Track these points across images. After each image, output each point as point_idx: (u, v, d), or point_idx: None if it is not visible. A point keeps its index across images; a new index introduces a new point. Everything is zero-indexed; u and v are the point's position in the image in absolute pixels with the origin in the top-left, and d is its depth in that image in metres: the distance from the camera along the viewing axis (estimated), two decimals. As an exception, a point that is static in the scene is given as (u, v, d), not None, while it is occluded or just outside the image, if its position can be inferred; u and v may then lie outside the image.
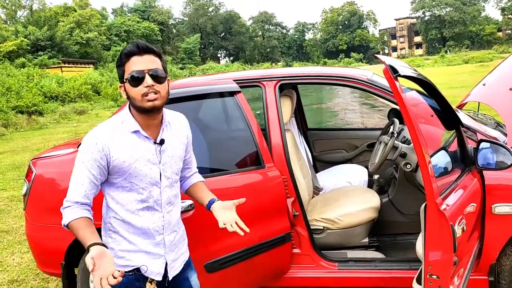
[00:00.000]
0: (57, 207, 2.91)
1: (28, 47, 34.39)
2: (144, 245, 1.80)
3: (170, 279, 1.88)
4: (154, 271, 1.82)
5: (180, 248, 1.94)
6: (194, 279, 2.01)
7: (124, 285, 1.69)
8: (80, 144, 3.11)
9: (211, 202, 1.94)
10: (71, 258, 2.98)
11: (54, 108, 20.03)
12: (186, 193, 2.08)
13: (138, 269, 1.80)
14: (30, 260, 4.17)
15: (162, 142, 1.78)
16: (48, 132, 14.48)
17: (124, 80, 1.70)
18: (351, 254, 3.06)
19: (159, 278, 1.83)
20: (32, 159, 3.19)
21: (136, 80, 1.66)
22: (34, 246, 3.11)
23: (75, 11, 42.58)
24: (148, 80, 1.66)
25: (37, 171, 3.02)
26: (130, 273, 1.78)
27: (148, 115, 1.72)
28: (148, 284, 1.81)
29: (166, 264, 1.85)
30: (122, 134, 1.72)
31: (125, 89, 1.71)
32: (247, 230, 1.83)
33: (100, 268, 1.47)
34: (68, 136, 12.42)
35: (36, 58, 33.30)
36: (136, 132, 1.73)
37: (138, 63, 1.67)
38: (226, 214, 1.86)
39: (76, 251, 2.96)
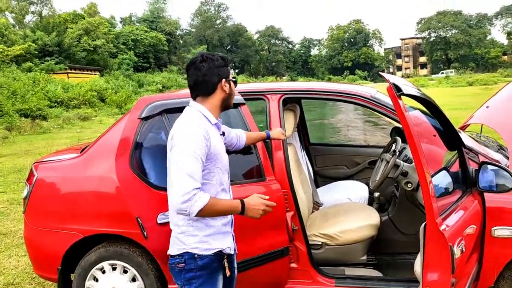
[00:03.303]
0: (57, 211, 2.95)
1: (36, 52, 34.66)
2: (221, 225, 2.07)
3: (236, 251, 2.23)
4: (231, 247, 2.14)
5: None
6: (235, 265, 2.30)
7: (205, 266, 2.02)
8: (83, 149, 3.14)
9: (268, 133, 2.74)
10: (68, 264, 2.98)
11: (58, 113, 20.12)
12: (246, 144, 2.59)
13: (217, 251, 2.05)
14: (27, 263, 4.15)
15: (223, 134, 2.21)
16: (51, 136, 14.53)
17: (230, 79, 2.11)
18: (349, 271, 3.04)
19: (233, 252, 2.17)
20: (34, 163, 3.20)
21: (235, 82, 2.18)
22: (32, 249, 3.11)
23: (84, 18, 42.98)
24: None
25: (39, 175, 3.03)
26: (213, 255, 2.03)
27: (226, 110, 2.18)
28: (225, 263, 2.10)
29: (233, 239, 2.18)
30: (209, 125, 2.03)
31: (230, 85, 2.10)
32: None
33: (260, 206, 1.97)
34: (71, 141, 12.45)
35: (43, 63, 33.52)
36: (215, 124, 2.08)
37: None
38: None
39: (74, 256, 2.96)
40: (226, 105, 2.13)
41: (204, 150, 1.93)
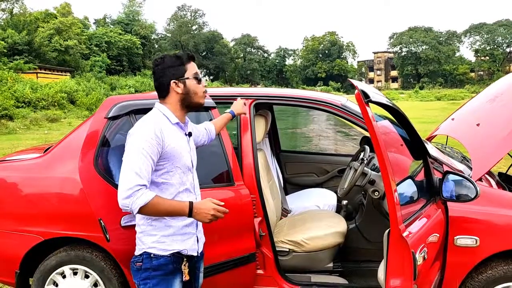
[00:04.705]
0: (17, 212, 2.85)
1: (5, 50, 33.66)
2: (181, 226, 2.03)
3: (200, 252, 2.18)
4: (191, 248, 2.09)
5: (201, 229, 2.21)
6: (202, 270, 2.28)
7: (160, 266, 1.99)
8: (47, 149, 3.05)
9: (232, 113, 2.69)
10: (26, 267, 2.87)
11: (25, 113, 19.53)
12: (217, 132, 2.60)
13: (174, 253, 2.02)
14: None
15: (190, 134, 2.14)
16: (16, 137, 14.09)
17: (186, 78, 2.01)
18: (315, 278, 3.04)
19: (195, 253, 2.12)
20: (-5, 162, 3.09)
21: (199, 80, 2.05)
22: (-12, 252, 2.98)
23: (56, 18, 42.02)
24: (204, 82, 2.09)
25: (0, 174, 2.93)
26: (169, 256, 2.01)
27: (195, 110, 2.17)
28: (183, 266, 2.06)
29: (198, 241, 2.14)
30: (168, 124, 2.00)
31: (184, 85, 2.00)
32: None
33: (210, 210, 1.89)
34: (37, 143, 12.09)
35: (12, 62, 32.55)
36: (177, 123, 2.04)
37: (195, 67, 2.07)
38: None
39: (33, 259, 2.86)
40: (188, 104, 2.06)
41: (156, 148, 1.90)
